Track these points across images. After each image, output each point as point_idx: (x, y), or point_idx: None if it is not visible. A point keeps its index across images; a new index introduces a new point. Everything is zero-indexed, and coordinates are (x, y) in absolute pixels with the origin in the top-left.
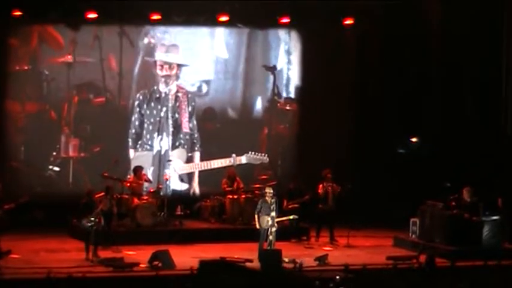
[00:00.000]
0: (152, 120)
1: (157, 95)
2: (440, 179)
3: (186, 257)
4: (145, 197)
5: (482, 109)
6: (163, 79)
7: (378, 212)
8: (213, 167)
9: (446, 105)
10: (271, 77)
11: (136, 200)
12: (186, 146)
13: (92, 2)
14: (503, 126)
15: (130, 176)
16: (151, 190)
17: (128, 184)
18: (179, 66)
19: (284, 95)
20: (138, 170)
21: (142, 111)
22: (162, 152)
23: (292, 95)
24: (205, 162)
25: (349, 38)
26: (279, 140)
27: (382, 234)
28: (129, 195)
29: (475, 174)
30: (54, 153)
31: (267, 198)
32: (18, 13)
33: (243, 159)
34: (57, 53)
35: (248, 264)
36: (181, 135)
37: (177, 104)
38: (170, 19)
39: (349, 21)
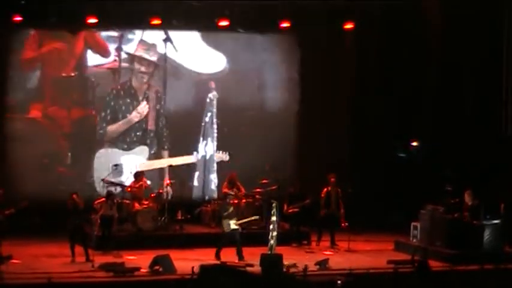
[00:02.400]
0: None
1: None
2: (441, 183)
3: (186, 262)
4: (146, 202)
5: (483, 110)
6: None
7: (378, 216)
8: (176, 164)
9: (446, 108)
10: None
11: (137, 205)
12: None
13: (93, 7)
14: (503, 128)
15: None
16: (152, 195)
17: (129, 189)
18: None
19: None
20: (139, 175)
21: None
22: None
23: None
24: (167, 160)
25: (349, 42)
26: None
27: (383, 238)
28: (130, 200)
29: (476, 177)
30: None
31: (228, 201)
32: (18, 18)
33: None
34: (102, 59)
35: (249, 268)
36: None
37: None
38: (170, 24)
39: (349, 26)
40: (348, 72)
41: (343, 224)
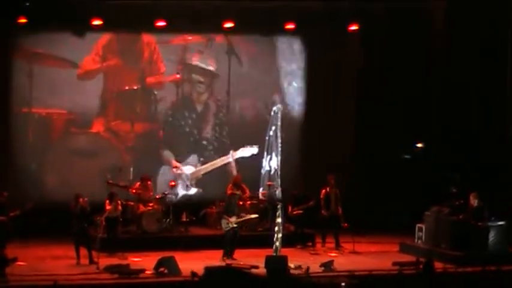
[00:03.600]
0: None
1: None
2: (446, 185)
3: (191, 264)
4: (151, 204)
5: (488, 112)
6: None
7: (383, 217)
8: (214, 167)
9: (451, 109)
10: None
11: (141, 207)
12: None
13: (97, 9)
14: (508, 130)
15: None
16: (158, 197)
17: (134, 191)
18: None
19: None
20: (145, 178)
21: None
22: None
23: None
24: (206, 165)
25: (354, 44)
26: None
27: (388, 240)
28: (135, 202)
29: (481, 179)
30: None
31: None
32: (23, 20)
33: (238, 153)
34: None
35: (254, 270)
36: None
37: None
38: (175, 26)
39: (353, 27)
40: (353, 73)
41: (344, 225)
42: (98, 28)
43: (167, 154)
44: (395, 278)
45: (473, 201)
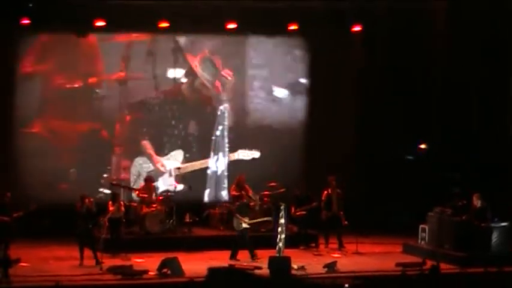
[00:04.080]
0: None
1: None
2: (449, 185)
3: (194, 265)
4: (154, 205)
5: (490, 112)
6: None
7: (386, 218)
8: (204, 166)
9: (453, 109)
10: None
11: (145, 208)
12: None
13: (100, 10)
14: (509, 130)
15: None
16: (160, 198)
17: (137, 192)
18: None
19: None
20: (149, 180)
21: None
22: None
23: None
24: (199, 162)
25: (356, 45)
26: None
27: (391, 240)
28: (138, 203)
29: (483, 180)
30: (105, 175)
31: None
32: (26, 21)
33: (235, 156)
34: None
35: (257, 271)
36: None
37: None
38: (178, 26)
39: (357, 28)
40: (354, 74)
41: (344, 223)
42: (100, 29)
43: (145, 144)
44: (398, 278)
45: (477, 202)
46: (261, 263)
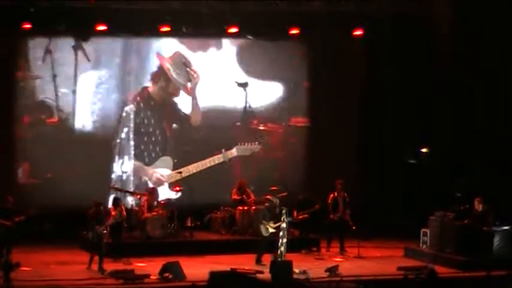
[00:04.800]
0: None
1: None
2: (451, 189)
3: (196, 269)
4: (156, 209)
5: (493, 116)
6: None
7: (388, 222)
8: (206, 167)
9: (455, 114)
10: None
11: (146, 212)
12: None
13: (102, 15)
14: None
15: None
16: (162, 202)
17: (139, 196)
18: None
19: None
20: (152, 190)
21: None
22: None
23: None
24: (196, 164)
25: (359, 49)
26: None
27: (392, 244)
28: (139, 207)
29: (485, 184)
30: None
31: (270, 206)
32: (27, 26)
33: (234, 152)
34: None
35: (259, 275)
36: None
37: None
38: (179, 31)
39: (358, 32)
40: (357, 78)
41: (353, 227)
42: (102, 33)
43: (137, 165)
44: (400, 282)
45: (478, 206)
46: (262, 267)
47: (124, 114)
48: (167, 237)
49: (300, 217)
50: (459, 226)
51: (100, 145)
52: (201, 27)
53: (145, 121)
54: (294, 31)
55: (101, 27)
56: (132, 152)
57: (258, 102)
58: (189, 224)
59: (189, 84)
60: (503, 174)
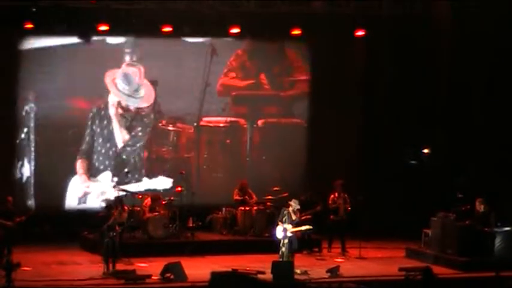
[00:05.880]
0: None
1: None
2: (452, 190)
3: (198, 269)
4: (157, 209)
5: (493, 117)
6: None
7: (390, 223)
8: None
9: (457, 114)
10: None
11: (148, 213)
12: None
13: (104, 15)
14: None
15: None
16: (163, 202)
17: (140, 196)
18: None
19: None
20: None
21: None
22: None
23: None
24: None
25: (360, 49)
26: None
27: (394, 245)
28: (141, 208)
29: (487, 185)
30: None
31: (289, 208)
32: (29, 25)
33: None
34: None
35: (260, 275)
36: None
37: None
38: (181, 31)
39: (360, 33)
40: (358, 78)
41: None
42: (104, 33)
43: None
44: (401, 283)
45: (480, 207)
46: (264, 268)
47: (24, 113)
48: (169, 237)
49: (302, 218)
50: (461, 227)
51: None
52: (202, 28)
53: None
54: (296, 32)
55: (103, 27)
56: (33, 154)
57: None
58: (191, 224)
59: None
60: (505, 175)
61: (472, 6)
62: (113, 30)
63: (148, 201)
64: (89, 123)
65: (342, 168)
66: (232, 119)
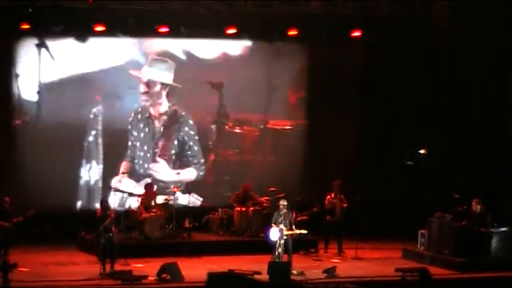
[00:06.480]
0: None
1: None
2: (449, 191)
3: (194, 270)
4: (154, 210)
5: (491, 117)
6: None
7: (386, 223)
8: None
9: (454, 114)
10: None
11: (144, 213)
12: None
13: (100, 15)
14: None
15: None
16: (160, 203)
17: (138, 197)
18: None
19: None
20: (148, 186)
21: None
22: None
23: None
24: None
25: (357, 50)
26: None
27: (390, 246)
28: (138, 208)
29: (484, 185)
30: None
31: (280, 210)
32: (26, 26)
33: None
34: None
35: (256, 276)
36: None
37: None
38: (177, 32)
39: (357, 33)
40: (356, 78)
41: (344, 205)
42: (100, 34)
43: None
44: (398, 284)
45: (476, 207)
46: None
47: (91, 116)
48: (165, 238)
49: (299, 219)
50: (457, 227)
51: (66, 148)
52: (199, 28)
53: None
54: (292, 32)
55: (99, 28)
56: (101, 156)
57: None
58: (187, 225)
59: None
60: (502, 175)
61: (470, 6)
62: (109, 31)
63: (142, 194)
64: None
65: (340, 168)
66: None
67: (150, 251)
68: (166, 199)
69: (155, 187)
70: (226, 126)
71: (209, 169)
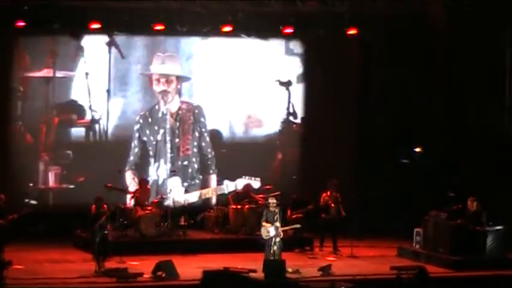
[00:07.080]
0: (151, 145)
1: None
2: (444, 189)
3: (189, 268)
4: (149, 208)
5: (486, 117)
6: (160, 95)
7: (381, 222)
8: (202, 198)
9: (449, 113)
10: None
11: (140, 211)
12: (182, 174)
13: (96, 13)
14: (507, 135)
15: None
16: (155, 201)
17: (132, 194)
18: (178, 79)
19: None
20: (144, 182)
21: (144, 137)
22: (160, 182)
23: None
24: (193, 194)
25: (353, 48)
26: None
27: (385, 244)
28: (133, 206)
29: (479, 184)
30: (31, 184)
31: (270, 208)
32: (21, 24)
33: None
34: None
35: (252, 274)
36: (179, 162)
37: (179, 124)
38: (173, 30)
39: (352, 31)
40: (352, 77)
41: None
42: (95, 31)
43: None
44: (393, 282)
45: (472, 206)
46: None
47: (160, 114)
48: (161, 235)
49: (294, 217)
50: (452, 226)
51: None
52: (194, 26)
53: None
54: (288, 30)
55: (95, 25)
56: (169, 155)
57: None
58: (183, 223)
59: None
60: (497, 173)
61: (466, 5)
62: (104, 28)
63: (136, 190)
64: None
65: (337, 167)
66: None
67: (145, 249)
68: (161, 196)
69: (150, 182)
70: (294, 126)
71: None
